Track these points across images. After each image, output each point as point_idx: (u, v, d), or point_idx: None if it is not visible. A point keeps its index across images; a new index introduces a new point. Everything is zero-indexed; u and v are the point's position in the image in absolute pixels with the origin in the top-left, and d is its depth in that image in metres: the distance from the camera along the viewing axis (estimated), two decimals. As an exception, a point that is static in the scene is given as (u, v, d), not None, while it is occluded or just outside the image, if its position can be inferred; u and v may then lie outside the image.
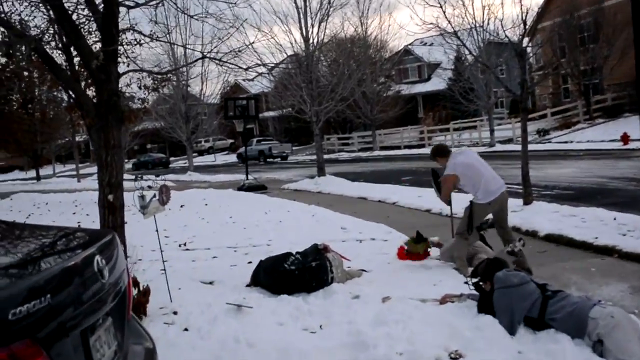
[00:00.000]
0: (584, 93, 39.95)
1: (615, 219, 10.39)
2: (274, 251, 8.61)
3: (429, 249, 8.68)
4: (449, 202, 8.74)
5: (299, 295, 6.87)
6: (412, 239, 8.75)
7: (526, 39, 14.45)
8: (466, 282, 6.21)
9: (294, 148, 56.94)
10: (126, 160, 55.35)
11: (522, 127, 13.21)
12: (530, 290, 5.25)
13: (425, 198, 15.64)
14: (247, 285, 7.45)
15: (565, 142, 34.21)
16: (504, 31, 14.37)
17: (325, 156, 32.96)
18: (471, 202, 7.95)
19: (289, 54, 26.09)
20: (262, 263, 7.57)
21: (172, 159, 66.55)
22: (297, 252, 7.65)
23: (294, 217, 14.12)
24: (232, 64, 8.35)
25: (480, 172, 7.80)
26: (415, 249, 8.50)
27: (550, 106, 44.44)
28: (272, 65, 19.57)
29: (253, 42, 23.35)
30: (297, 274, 7.15)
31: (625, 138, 28.06)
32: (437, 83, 52.08)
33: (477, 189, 7.80)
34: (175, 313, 5.97)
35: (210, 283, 7.68)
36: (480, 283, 5.78)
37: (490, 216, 8.31)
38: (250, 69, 9.27)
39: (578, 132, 36.76)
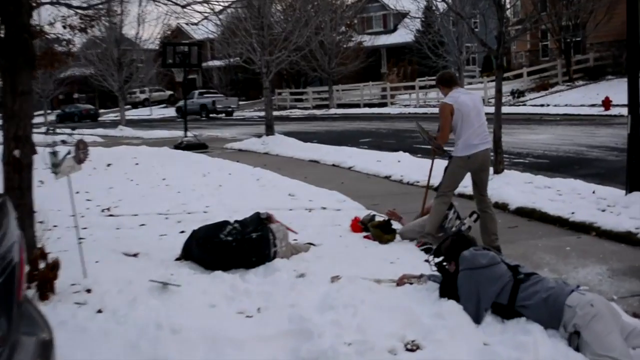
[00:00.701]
0: (565, 52, 40.29)
1: (594, 192, 10.44)
2: (211, 219, 8.38)
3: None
4: (442, 151, 8.58)
5: (236, 271, 6.66)
6: (378, 224, 8.49)
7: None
8: (427, 261, 6.05)
9: (240, 103, 56.54)
10: (49, 111, 54.21)
11: (496, 86, 13.13)
12: (500, 273, 5.11)
13: (385, 163, 15.64)
14: (177, 259, 7.21)
15: (542, 105, 34.53)
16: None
17: (276, 113, 32.70)
18: (450, 156, 7.92)
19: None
20: (195, 233, 7.32)
21: (102, 111, 65.61)
22: (236, 221, 7.43)
23: (236, 180, 13.98)
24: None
25: (471, 121, 7.67)
26: (379, 237, 8.27)
27: (527, 65, 44.78)
28: (217, 4, 19.04)
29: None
30: (234, 246, 6.93)
31: (606, 103, 28.34)
32: (403, 35, 51.88)
33: (459, 137, 7.70)
34: (88, 291, 5.70)
35: (134, 255, 7.41)
36: (444, 263, 5.64)
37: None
38: (188, 7, 8.91)
39: (556, 94, 37.15)
